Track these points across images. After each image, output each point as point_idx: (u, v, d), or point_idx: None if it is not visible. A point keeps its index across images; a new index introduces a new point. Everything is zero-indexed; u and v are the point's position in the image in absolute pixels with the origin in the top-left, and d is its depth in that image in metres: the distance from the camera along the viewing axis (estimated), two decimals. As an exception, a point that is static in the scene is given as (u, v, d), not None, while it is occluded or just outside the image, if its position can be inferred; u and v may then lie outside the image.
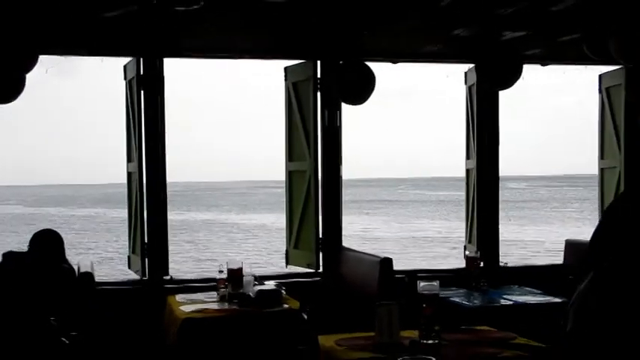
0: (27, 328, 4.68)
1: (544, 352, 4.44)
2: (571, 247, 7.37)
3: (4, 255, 5.38)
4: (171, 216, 7.03)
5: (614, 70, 7.34)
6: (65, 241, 5.93)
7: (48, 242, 5.75)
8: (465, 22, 5.85)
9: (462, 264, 6.84)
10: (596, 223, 7.65)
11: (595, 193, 8.03)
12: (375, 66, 6.78)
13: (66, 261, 5.76)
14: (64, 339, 4.49)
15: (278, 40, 6.68)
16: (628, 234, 3.33)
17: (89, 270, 5.84)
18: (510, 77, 6.50)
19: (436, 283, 4.55)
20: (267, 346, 5.50)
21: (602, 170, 7.87)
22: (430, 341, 4.32)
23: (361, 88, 6.71)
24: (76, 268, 5.77)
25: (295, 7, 5.40)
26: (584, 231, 12.74)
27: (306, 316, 5.19)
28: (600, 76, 7.69)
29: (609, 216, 3.49)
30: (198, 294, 6.15)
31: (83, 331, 5.13)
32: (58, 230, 5.90)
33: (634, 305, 3.05)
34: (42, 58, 5.88)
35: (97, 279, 5.94)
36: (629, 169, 7.48)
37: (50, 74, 6.09)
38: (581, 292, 3.33)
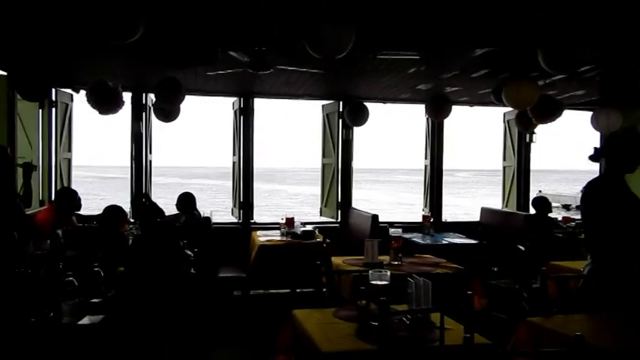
0: (173, 245, 4.61)
1: (461, 272, 4.39)
2: (484, 210, 7.35)
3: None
4: (257, 185, 7.03)
5: (511, 110, 7.22)
6: (199, 198, 6.02)
7: (187, 199, 5.84)
8: (422, 81, 5.78)
9: (421, 219, 6.74)
10: (499, 198, 7.32)
11: (500, 180, 7.95)
12: (372, 105, 6.79)
13: (196, 209, 5.84)
14: (189, 252, 4.46)
15: (318, 90, 6.69)
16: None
17: (209, 215, 5.96)
18: (445, 113, 6.46)
19: (400, 229, 4.57)
20: (305, 260, 5.36)
21: (504, 168, 7.81)
22: (395, 262, 4.40)
23: (361, 117, 6.71)
24: (202, 213, 5.84)
25: (325, 75, 5.40)
26: (493, 201, 12.62)
27: (325, 245, 5.18)
28: (504, 113, 7.65)
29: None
30: (269, 231, 6.20)
31: (203, 250, 5.14)
32: (193, 192, 5.95)
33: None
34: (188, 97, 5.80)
35: (213, 221, 6.00)
36: (518, 167, 7.49)
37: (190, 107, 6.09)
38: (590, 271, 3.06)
